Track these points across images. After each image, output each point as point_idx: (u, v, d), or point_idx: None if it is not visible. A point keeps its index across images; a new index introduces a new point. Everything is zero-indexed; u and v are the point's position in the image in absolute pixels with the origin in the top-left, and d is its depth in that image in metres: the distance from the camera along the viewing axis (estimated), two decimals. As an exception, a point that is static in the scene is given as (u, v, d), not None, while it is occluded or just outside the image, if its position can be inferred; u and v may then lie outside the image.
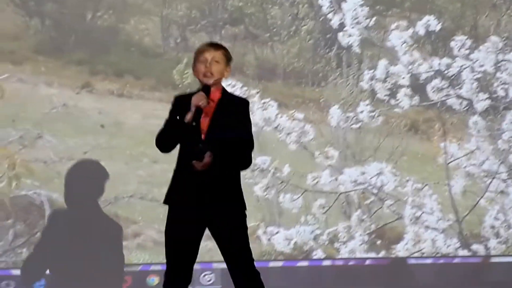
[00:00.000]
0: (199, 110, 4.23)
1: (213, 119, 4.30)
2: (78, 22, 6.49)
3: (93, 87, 6.45)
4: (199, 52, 4.43)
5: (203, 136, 4.28)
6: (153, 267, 6.18)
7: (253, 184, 6.61)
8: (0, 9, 6.37)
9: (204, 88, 4.33)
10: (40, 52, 6.38)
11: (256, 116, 6.63)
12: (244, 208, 4.40)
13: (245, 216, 4.41)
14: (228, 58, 4.41)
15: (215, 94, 4.34)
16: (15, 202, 6.24)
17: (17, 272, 6.19)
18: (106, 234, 6.17)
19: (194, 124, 4.22)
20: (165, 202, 4.44)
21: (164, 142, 4.38)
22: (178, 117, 4.34)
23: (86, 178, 6.28)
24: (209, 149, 4.20)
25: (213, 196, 4.33)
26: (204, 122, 4.29)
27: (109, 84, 6.48)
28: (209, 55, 4.39)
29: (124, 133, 6.39)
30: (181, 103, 4.38)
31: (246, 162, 4.39)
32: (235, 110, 4.35)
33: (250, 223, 6.44)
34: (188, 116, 4.25)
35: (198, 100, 4.29)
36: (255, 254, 6.44)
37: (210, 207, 4.35)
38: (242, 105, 4.40)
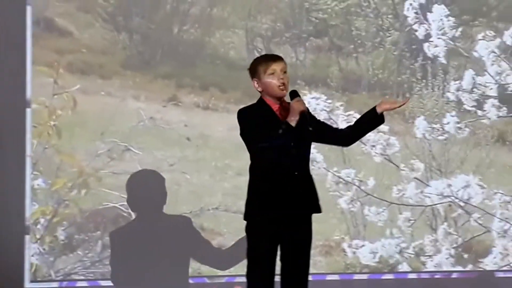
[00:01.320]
0: (304, 115, 4.46)
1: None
2: (165, 36, 6.58)
3: (179, 100, 6.53)
4: (266, 65, 4.53)
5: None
6: (237, 279, 6.22)
7: (338, 196, 6.60)
8: (89, 24, 6.48)
9: (292, 94, 4.53)
10: (128, 66, 6.48)
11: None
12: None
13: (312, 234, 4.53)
14: None
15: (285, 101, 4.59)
16: (104, 213, 6.35)
17: (105, 283, 6.30)
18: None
19: (311, 129, 4.49)
20: (246, 218, 4.51)
21: (278, 150, 4.44)
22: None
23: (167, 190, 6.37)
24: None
25: (289, 209, 4.42)
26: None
27: (195, 97, 6.55)
28: (278, 66, 4.51)
29: (210, 145, 6.45)
30: (252, 113, 4.51)
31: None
32: None
33: (335, 236, 6.51)
34: (294, 123, 4.43)
35: (303, 106, 4.45)
36: (340, 267, 6.52)
37: (286, 220, 4.42)
38: None
